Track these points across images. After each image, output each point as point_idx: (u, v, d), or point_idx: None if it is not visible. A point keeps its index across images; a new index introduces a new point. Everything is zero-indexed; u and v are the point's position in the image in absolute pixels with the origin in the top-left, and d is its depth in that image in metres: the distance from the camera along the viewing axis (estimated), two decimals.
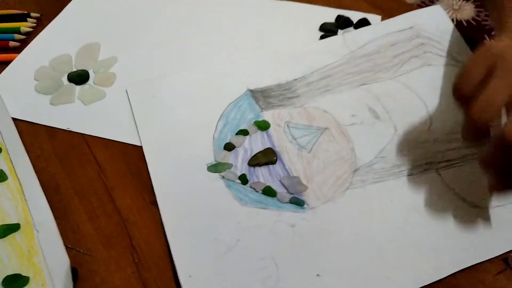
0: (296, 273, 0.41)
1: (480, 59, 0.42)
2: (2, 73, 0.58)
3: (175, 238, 0.43)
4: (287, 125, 0.52)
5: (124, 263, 0.43)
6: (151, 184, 0.47)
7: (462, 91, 0.42)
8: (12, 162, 0.49)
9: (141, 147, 0.50)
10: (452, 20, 0.64)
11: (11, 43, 0.61)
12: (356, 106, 0.54)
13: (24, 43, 0.62)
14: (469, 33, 0.61)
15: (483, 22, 0.67)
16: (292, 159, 0.49)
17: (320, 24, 0.64)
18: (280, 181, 0.48)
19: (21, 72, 0.58)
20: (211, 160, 0.49)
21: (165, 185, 0.47)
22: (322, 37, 0.62)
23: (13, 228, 0.44)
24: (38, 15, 0.65)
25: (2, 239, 0.43)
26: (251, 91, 0.55)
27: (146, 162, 0.49)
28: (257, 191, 0.47)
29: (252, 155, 0.50)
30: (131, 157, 0.50)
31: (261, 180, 0.48)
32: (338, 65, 0.58)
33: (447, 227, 0.44)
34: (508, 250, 0.42)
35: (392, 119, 0.52)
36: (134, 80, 0.56)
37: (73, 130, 0.52)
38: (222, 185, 0.47)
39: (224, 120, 0.52)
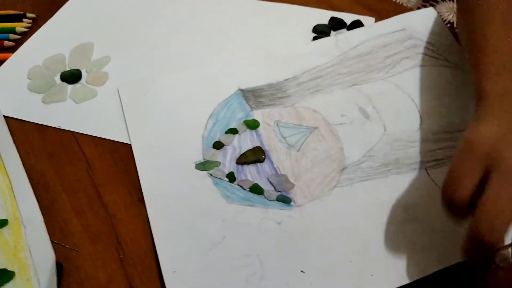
0: (281, 270, 0.41)
1: (471, 161, 0.35)
2: None
3: (160, 234, 0.43)
4: (277, 124, 0.52)
5: (109, 259, 0.43)
6: (139, 182, 0.47)
7: (455, 200, 0.34)
8: (2, 159, 0.49)
9: (130, 145, 0.50)
10: (453, 23, 0.64)
11: (6, 43, 0.62)
12: (346, 106, 0.54)
13: (19, 43, 0.62)
14: None
15: None
16: (281, 157, 0.49)
17: (313, 25, 0.64)
18: (267, 179, 0.48)
19: (15, 71, 0.58)
20: (199, 158, 0.49)
21: (152, 183, 0.47)
22: (314, 39, 0.62)
23: (1, 223, 0.44)
24: (33, 15, 0.66)
25: None
26: (242, 90, 0.55)
27: (134, 160, 0.49)
28: (244, 189, 0.47)
29: (241, 153, 0.50)
30: (120, 155, 0.50)
31: (249, 178, 0.48)
32: (329, 65, 0.58)
33: (433, 226, 0.43)
34: None
35: (382, 119, 0.52)
36: (126, 80, 0.57)
37: (64, 128, 0.53)
38: (210, 182, 0.47)
39: (214, 119, 0.53)
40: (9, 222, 0.45)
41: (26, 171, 0.48)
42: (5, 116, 0.53)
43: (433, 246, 0.42)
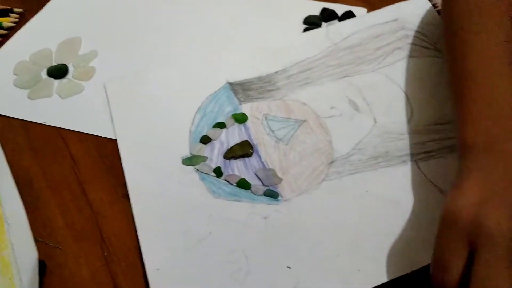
0: (267, 265, 0.40)
1: (454, 239, 0.33)
2: None
3: (145, 231, 0.43)
4: (265, 118, 0.51)
5: (93, 256, 0.42)
6: (124, 178, 0.46)
7: (445, 285, 0.33)
8: None
9: (116, 140, 0.50)
10: None
11: None
12: (336, 98, 0.53)
13: (6, 38, 0.61)
14: None
15: None
16: (269, 151, 0.48)
17: (304, 17, 0.63)
18: (255, 173, 0.47)
19: (1, 67, 0.58)
20: (186, 153, 0.48)
21: (138, 178, 0.46)
22: (305, 30, 0.61)
23: None
24: (21, 10, 0.65)
25: None
26: (230, 83, 0.54)
27: (120, 156, 0.48)
28: (231, 184, 0.46)
29: (229, 148, 0.49)
30: (106, 151, 0.49)
31: (236, 172, 0.47)
32: (319, 57, 0.57)
33: (423, 219, 0.42)
34: None
35: (372, 111, 0.51)
36: (113, 74, 0.56)
37: (49, 124, 0.52)
38: (196, 178, 0.47)
39: (202, 113, 0.52)
40: None
41: (11, 168, 0.48)
42: None
43: (423, 240, 0.41)
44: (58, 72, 0.56)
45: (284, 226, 0.43)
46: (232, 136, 0.50)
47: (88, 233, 0.44)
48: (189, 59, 0.57)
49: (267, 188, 0.45)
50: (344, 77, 0.55)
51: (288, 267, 0.40)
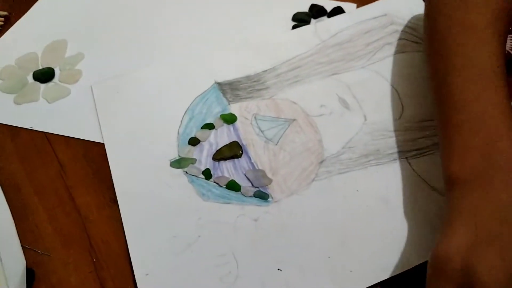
0: (257, 268, 0.40)
1: (443, 285, 0.31)
2: None
3: (133, 236, 0.42)
4: (255, 118, 0.51)
5: (82, 263, 0.42)
6: (112, 182, 0.46)
7: None
8: None
9: (103, 144, 0.49)
10: None
11: None
12: (326, 97, 0.52)
13: None
14: None
15: None
16: (258, 152, 0.48)
17: (293, 14, 0.62)
18: (245, 174, 0.46)
19: None
20: (175, 155, 0.48)
21: (126, 183, 0.46)
22: (294, 27, 0.61)
23: None
24: (5, 13, 0.64)
25: None
26: (219, 83, 0.54)
27: (108, 160, 0.48)
28: (220, 186, 0.46)
29: (217, 149, 0.48)
30: (93, 155, 0.49)
31: (226, 174, 0.46)
32: (308, 55, 0.56)
33: (415, 217, 0.42)
34: None
35: (362, 109, 0.51)
36: (100, 77, 0.55)
37: (36, 129, 0.51)
38: (185, 180, 0.46)
39: (190, 114, 0.51)
40: None
41: None
42: None
43: (414, 239, 0.41)
44: (44, 76, 0.56)
45: (274, 228, 0.42)
46: (221, 137, 0.49)
47: (77, 239, 0.43)
48: (176, 60, 0.57)
49: (257, 189, 0.45)
50: (334, 74, 0.54)
51: (278, 269, 0.40)
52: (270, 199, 0.44)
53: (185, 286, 0.39)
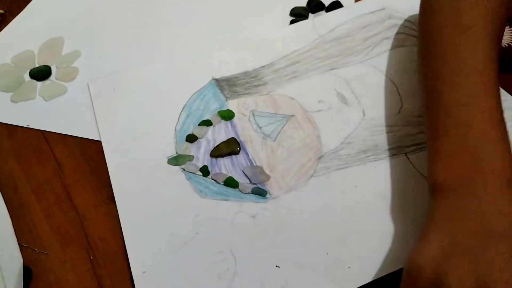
0: (255, 265, 0.40)
1: None
2: None
3: (130, 234, 0.42)
4: (253, 114, 0.50)
5: (79, 261, 0.42)
6: (109, 180, 0.46)
7: None
8: None
9: (100, 141, 0.49)
10: None
11: None
12: (324, 92, 0.52)
13: None
14: None
15: None
16: (256, 148, 0.47)
17: (290, 8, 0.62)
18: (242, 171, 0.46)
19: None
20: (172, 152, 0.48)
21: (123, 180, 0.46)
22: (292, 22, 0.60)
23: None
24: (2, 11, 0.63)
25: None
26: (216, 80, 0.53)
27: (105, 157, 0.47)
28: (218, 183, 0.45)
29: (215, 146, 0.48)
30: (90, 153, 0.48)
31: (223, 171, 0.46)
32: (306, 50, 0.56)
33: (414, 213, 0.42)
34: None
35: (361, 104, 0.50)
36: (97, 74, 0.55)
37: (33, 127, 0.51)
38: (183, 177, 0.46)
39: (187, 111, 0.51)
40: None
41: None
42: None
43: (413, 235, 0.40)
44: (41, 73, 0.55)
45: (272, 225, 0.42)
46: (219, 133, 0.49)
47: (74, 237, 0.43)
48: (173, 56, 0.56)
49: (255, 186, 0.45)
50: (332, 69, 0.54)
51: (277, 266, 0.40)
52: (268, 195, 0.44)
53: (183, 283, 0.39)
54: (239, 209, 0.43)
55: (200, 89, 0.53)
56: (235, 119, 0.50)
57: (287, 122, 0.49)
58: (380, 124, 0.48)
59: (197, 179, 0.46)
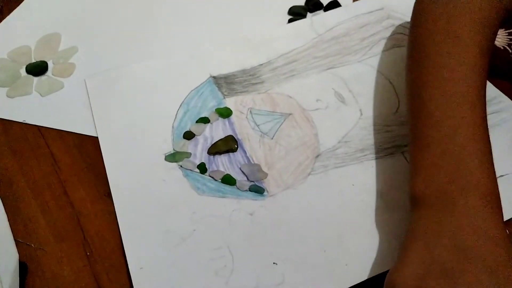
0: (252, 262, 0.40)
1: None
2: None
3: (128, 230, 0.42)
4: (250, 112, 0.50)
5: (75, 257, 0.41)
6: (106, 176, 0.45)
7: None
8: None
9: (97, 138, 0.48)
10: None
11: None
12: (322, 91, 0.52)
13: None
14: None
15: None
16: (254, 146, 0.47)
17: (289, 7, 0.62)
18: (240, 169, 0.46)
19: None
20: (169, 149, 0.47)
21: (120, 176, 0.45)
22: (290, 21, 0.60)
23: None
24: None
25: None
26: (214, 77, 0.53)
27: (101, 153, 0.47)
28: (216, 180, 0.45)
29: (213, 143, 0.48)
30: (87, 149, 0.48)
31: (221, 168, 0.46)
32: (305, 49, 0.56)
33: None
34: None
35: (358, 103, 0.51)
36: (94, 70, 0.55)
37: (29, 122, 0.51)
38: (180, 174, 0.46)
39: (185, 108, 0.51)
40: None
41: None
42: None
43: None
44: (37, 69, 0.55)
45: (270, 222, 0.42)
46: (216, 131, 0.49)
47: (70, 233, 0.43)
48: (171, 53, 0.56)
49: (252, 183, 0.45)
50: (330, 68, 0.54)
51: (274, 263, 0.40)
52: (265, 193, 0.44)
53: (180, 280, 0.39)
54: (237, 206, 0.43)
55: (198, 86, 0.53)
56: (232, 117, 0.50)
57: (284, 120, 0.49)
58: (377, 123, 0.49)
59: (194, 176, 0.45)
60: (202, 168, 0.46)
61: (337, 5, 0.62)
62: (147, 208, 0.43)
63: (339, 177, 0.45)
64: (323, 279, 0.39)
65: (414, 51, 0.42)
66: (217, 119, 0.50)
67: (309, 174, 0.45)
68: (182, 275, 0.39)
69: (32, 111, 0.51)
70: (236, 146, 0.47)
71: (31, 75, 0.55)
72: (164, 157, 0.47)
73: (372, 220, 0.42)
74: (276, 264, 0.40)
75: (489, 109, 0.45)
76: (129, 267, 0.39)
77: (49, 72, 0.55)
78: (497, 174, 0.35)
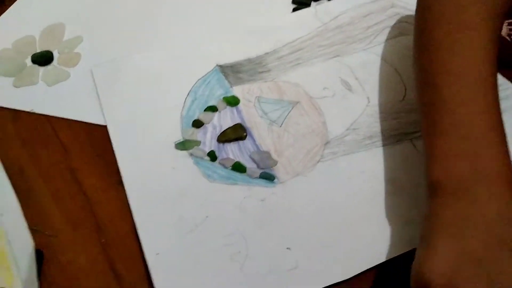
0: (266, 247, 0.40)
1: None
2: None
3: (141, 217, 0.42)
4: (258, 100, 0.51)
5: (90, 244, 0.42)
6: (117, 164, 0.46)
7: None
8: None
9: (106, 126, 0.49)
10: None
11: None
12: (328, 79, 0.52)
13: None
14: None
15: None
16: (262, 134, 0.48)
17: None
18: (250, 156, 0.46)
19: None
20: (178, 137, 0.48)
21: (130, 164, 0.46)
22: (294, 10, 0.61)
23: None
24: None
25: None
26: (220, 66, 0.54)
27: (111, 142, 0.47)
28: (226, 167, 0.46)
29: (221, 131, 0.48)
30: (96, 137, 0.48)
31: (231, 156, 0.47)
32: (309, 38, 0.57)
33: (419, 198, 0.42)
34: None
35: (365, 91, 0.51)
36: (99, 60, 0.55)
37: (37, 111, 0.51)
38: (190, 162, 0.46)
39: (192, 97, 0.51)
40: None
41: (0, 158, 0.46)
42: None
43: (420, 218, 0.41)
44: (43, 59, 0.55)
45: (281, 208, 0.43)
46: (225, 119, 0.49)
47: (84, 220, 0.43)
48: (177, 42, 0.56)
49: (262, 170, 0.45)
50: (336, 57, 0.54)
51: (287, 248, 0.40)
52: (276, 180, 0.45)
53: (197, 265, 0.39)
54: (248, 193, 0.44)
55: (205, 75, 0.53)
56: (240, 105, 0.50)
57: (292, 108, 0.50)
58: (385, 111, 0.49)
59: (205, 164, 0.46)
60: (212, 156, 0.46)
61: None
62: (159, 196, 0.44)
63: (348, 164, 0.45)
64: (335, 264, 0.39)
65: (422, 38, 0.42)
66: (225, 108, 0.50)
67: (318, 161, 0.46)
68: (198, 261, 0.40)
69: (39, 100, 0.51)
70: (245, 134, 0.48)
71: (36, 65, 0.55)
72: (174, 145, 0.47)
73: (382, 206, 0.43)
74: (290, 249, 0.40)
75: None
76: (145, 253, 0.40)
77: (54, 62, 0.55)
78: None
